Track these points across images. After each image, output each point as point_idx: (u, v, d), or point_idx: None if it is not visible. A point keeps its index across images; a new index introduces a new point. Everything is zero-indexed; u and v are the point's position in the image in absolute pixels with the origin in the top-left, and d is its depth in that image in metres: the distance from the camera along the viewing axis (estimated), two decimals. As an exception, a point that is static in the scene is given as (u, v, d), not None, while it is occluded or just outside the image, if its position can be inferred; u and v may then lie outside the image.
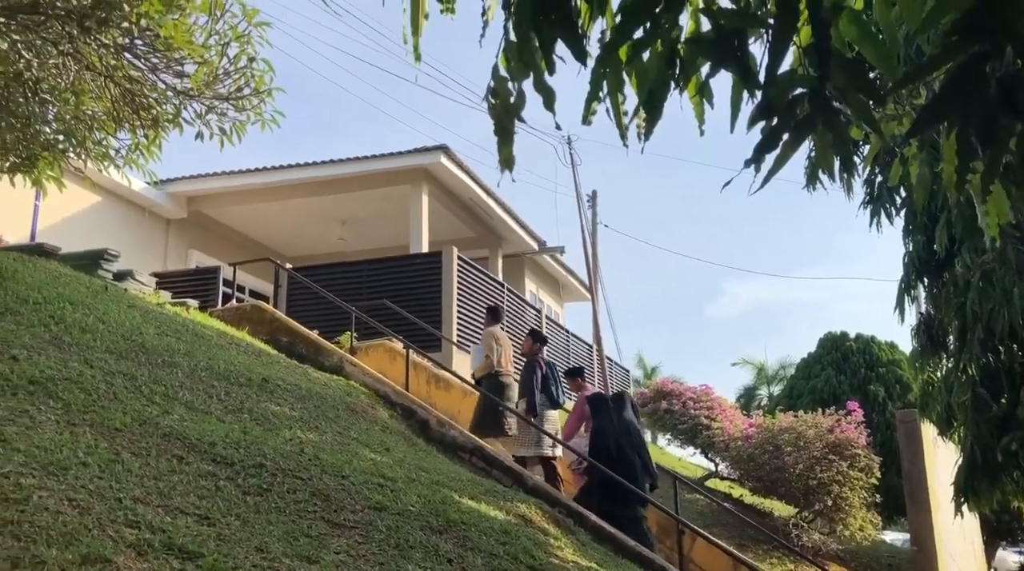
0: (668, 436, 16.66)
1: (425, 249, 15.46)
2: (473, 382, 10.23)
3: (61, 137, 8.61)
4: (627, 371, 25.01)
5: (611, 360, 22.34)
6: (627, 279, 72.52)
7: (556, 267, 22.14)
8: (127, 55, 7.70)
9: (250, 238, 18.58)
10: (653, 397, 16.21)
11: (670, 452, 19.12)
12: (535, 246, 19.89)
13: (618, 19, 2.09)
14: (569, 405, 10.58)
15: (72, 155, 8.78)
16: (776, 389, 32.50)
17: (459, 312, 13.98)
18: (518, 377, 10.14)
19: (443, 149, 15.58)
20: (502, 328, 10.62)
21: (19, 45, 7.77)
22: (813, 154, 2.85)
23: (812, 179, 3.78)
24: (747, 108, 2.40)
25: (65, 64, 7.93)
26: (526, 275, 20.63)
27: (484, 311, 11.05)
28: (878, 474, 13.53)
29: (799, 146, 2.32)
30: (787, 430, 13.41)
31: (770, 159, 2.35)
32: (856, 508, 12.90)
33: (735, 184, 2.36)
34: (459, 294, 14.10)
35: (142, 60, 7.75)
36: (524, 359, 10.21)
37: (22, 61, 7.97)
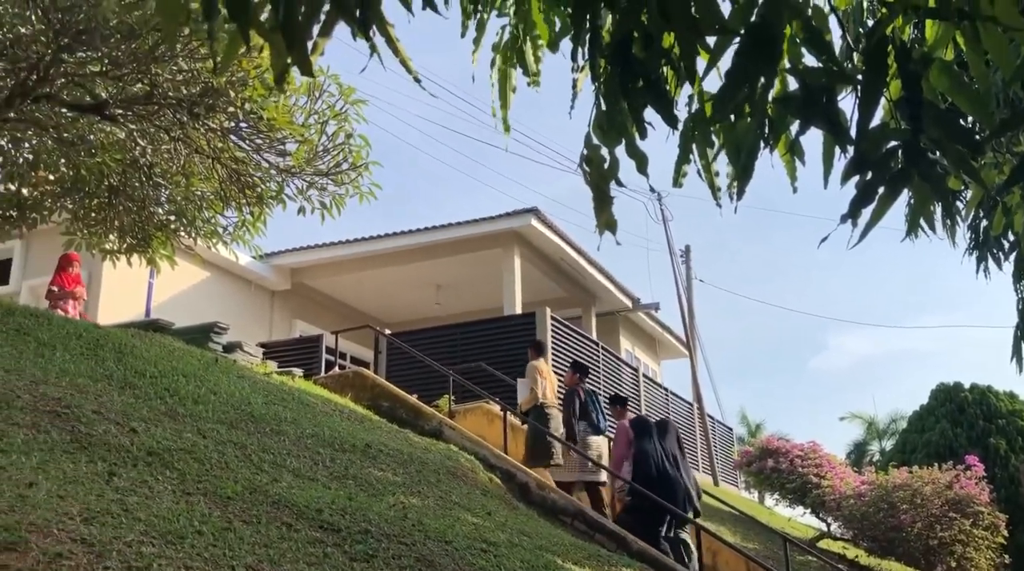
0: (776, 495, 16.12)
1: (519, 310, 15.57)
2: (520, 414, 10.51)
3: (173, 217, 9.11)
4: (730, 429, 24.39)
5: (712, 418, 21.85)
6: (726, 334, 71.06)
7: (651, 324, 21.93)
8: (233, 137, 8.14)
9: (350, 306, 19.06)
10: (759, 455, 15.76)
11: (779, 512, 18.45)
12: (629, 304, 19.77)
13: (719, 87, 2.13)
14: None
15: (183, 234, 9.27)
16: (888, 444, 31.14)
17: (555, 372, 13.96)
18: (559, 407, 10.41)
19: (533, 211, 15.77)
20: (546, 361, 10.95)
21: (135, 134, 8.32)
22: (912, 203, 2.81)
23: (913, 228, 3.70)
24: (840, 163, 2.40)
25: (176, 149, 8.42)
26: (621, 333, 20.48)
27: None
28: (1005, 533, 12.77)
29: (896, 199, 2.29)
30: (902, 487, 12.83)
31: (867, 213, 2.33)
32: (983, 570, 12.17)
33: (836, 235, 2.33)
34: (554, 354, 14.10)
35: (247, 141, 8.18)
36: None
37: (137, 148, 8.51)
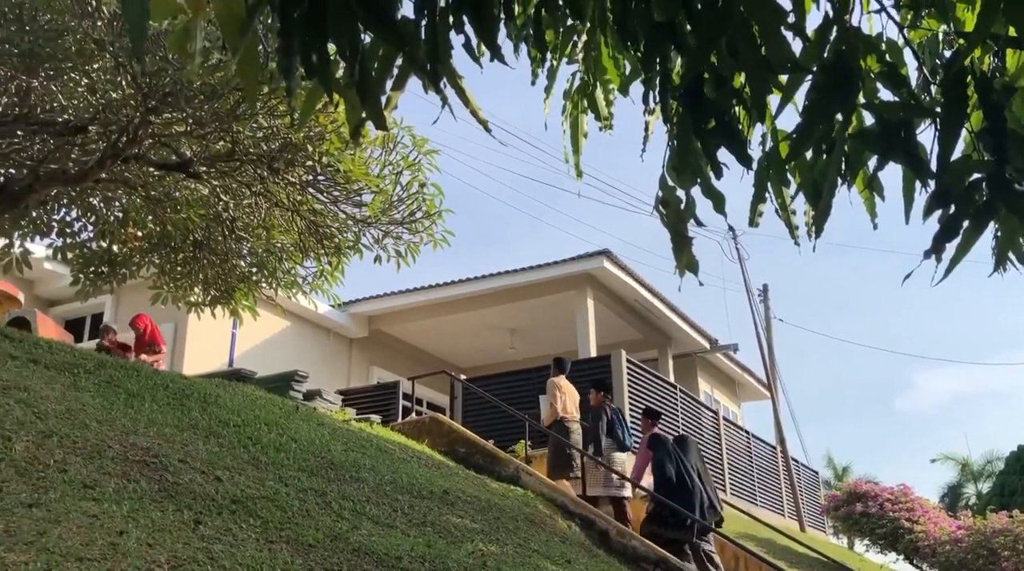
0: (866, 541, 15.53)
1: (593, 353, 15.46)
2: (544, 429, 10.82)
3: (255, 269, 9.37)
4: (815, 473, 23.63)
5: (797, 462, 21.22)
6: (808, 374, 69.34)
7: (730, 365, 21.52)
8: (311, 190, 8.37)
9: (426, 352, 19.22)
10: (846, 499, 15.25)
11: (870, 558, 17.73)
12: (706, 345, 19.47)
13: (795, 125, 2.10)
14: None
15: (264, 285, 9.52)
16: (984, 486, 29.75)
17: (631, 416, 13.78)
18: (584, 423, 10.72)
19: (605, 253, 15.74)
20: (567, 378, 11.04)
21: (218, 189, 8.61)
22: (999, 236, 2.71)
23: (1001, 262, 3.57)
24: (921, 197, 2.34)
25: (257, 203, 8.69)
26: (699, 375, 20.15)
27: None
28: (1118, 581, 12.01)
29: (982, 232, 2.22)
30: (1002, 532, 12.23)
31: (952, 247, 2.26)
32: (1095, 621, 11.47)
33: (918, 269, 2.26)
34: (630, 398, 13.94)
35: (325, 194, 8.39)
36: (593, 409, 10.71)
37: (220, 203, 8.81)
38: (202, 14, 1.49)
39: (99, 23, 6.75)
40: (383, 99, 1.82)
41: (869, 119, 2.32)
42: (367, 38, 1.83)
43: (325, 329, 17.08)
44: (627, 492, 10.02)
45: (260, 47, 1.60)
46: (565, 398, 10.55)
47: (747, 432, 19.14)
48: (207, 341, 13.69)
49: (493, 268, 17.00)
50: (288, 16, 1.40)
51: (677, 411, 15.35)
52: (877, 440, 67.66)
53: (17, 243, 9.09)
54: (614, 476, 9.94)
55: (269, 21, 1.62)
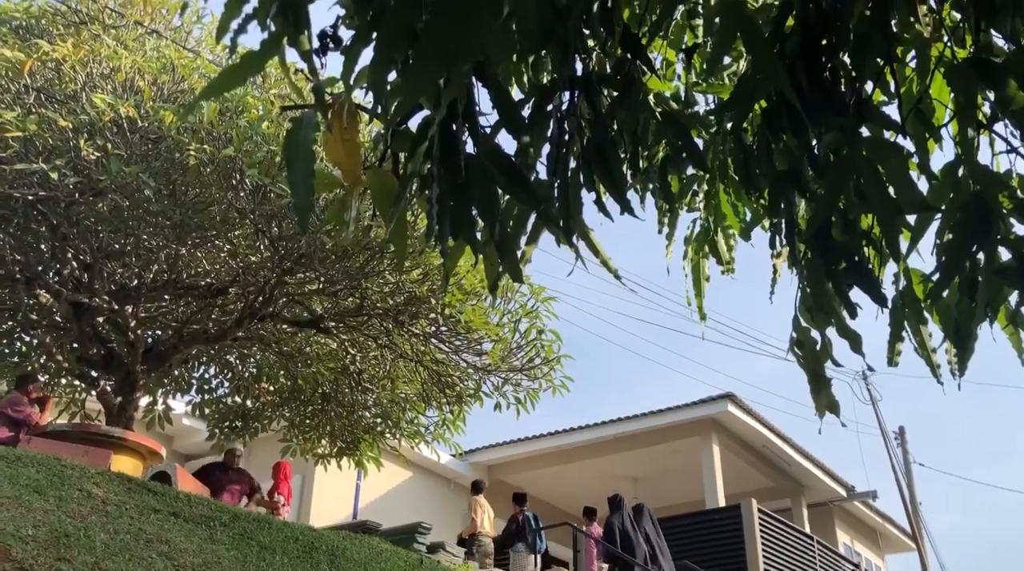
0: None
1: (721, 502, 14.83)
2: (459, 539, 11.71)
3: (379, 420, 9.58)
4: (975, 633, 21.49)
5: (953, 620, 19.40)
6: (958, 523, 64.18)
7: (870, 514, 20.20)
8: (434, 341, 8.60)
9: (546, 502, 18.83)
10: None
11: None
12: (843, 492, 18.41)
13: (936, 267, 2.09)
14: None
15: (388, 436, 9.69)
16: None
17: (764, 567, 13.01)
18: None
19: (729, 397, 15.34)
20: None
21: (346, 343, 8.95)
22: None
23: None
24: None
25: (383, 355, 8.97)
26: (836, 525, 18.95)
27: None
28: None
29: None
30: None
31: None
32: None
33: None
34: (764, 551, 13.19)
35: (447, 344, 8.62)
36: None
37: (348, 356, 9.13)
38: (357, 188, 1.64)
39: (242, 194, 7.30)
40: (518, 254, 1.91)
41: (1005, 254, 2.27)
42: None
43: (446, 479, 17.05)
44: None
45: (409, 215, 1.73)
46: (483, 514, 11.56)
47: (894, 587, 17.72)
48: (333, 492, 13.86)
49: (612, 413, 16.83)
50: (441, 188, 1.52)
51: (815, 564, 14.40)
52: (1044, 596, 61.20)
53: (160, 400, 9.60)
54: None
55: (414, 190, 1.75)
